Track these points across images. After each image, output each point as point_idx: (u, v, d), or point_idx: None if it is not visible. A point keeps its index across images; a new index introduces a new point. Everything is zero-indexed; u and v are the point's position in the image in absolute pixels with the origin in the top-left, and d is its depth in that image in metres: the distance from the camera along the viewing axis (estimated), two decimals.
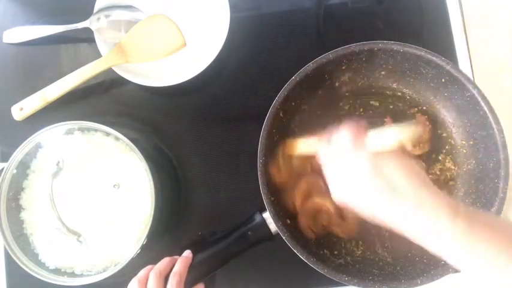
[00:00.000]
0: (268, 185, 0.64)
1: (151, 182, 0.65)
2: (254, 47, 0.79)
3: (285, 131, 0.71)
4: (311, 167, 0.68)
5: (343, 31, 0.79)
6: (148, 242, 0.66)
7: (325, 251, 0.69)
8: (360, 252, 0.70)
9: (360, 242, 0.70)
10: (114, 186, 0.67)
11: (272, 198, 0.64)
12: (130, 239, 0.67)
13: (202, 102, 0.78)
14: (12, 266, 0.73)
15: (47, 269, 0.67)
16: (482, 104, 0.64)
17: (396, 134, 0.52)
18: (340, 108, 0.74)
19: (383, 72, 0.72)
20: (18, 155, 0.67)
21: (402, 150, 0.51)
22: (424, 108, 0.72)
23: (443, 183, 0.71)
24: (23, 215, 0.68)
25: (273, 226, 0.63)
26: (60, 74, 0.73)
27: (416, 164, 0.50)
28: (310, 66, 0.66)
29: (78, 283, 0.65)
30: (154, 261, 0.63)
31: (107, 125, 0.67)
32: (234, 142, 0.77)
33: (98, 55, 0.73)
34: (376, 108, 0.73)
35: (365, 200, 0.50)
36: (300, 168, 0.68)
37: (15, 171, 0.68)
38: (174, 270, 0.61)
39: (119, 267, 0.64)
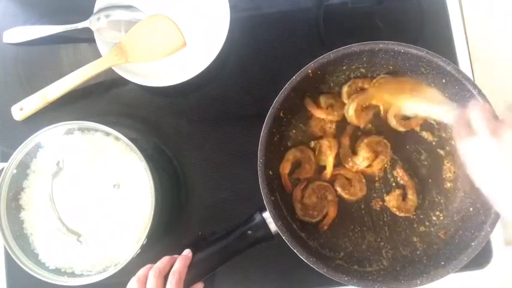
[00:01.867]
0: (268, 185, 0.64)
1: (151, 182, 0.65)
2: (254, 47, 0.79)
3: (285, 131, 0.71)
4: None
5: (343, 31, 0.79)
6: (148, 242, 0.66)
7: (325, 250, 0.69)
8: (359, 252, 0.70)
9: (360, 243, 0.70)
10: (114, 186, 0.67)
11: (272, 198, 0.65)
12: (131, 239, 0.67)
13: (202, 102, 0.78)
14: (12, 266, 0.73)
15: (47, 269, 0.67)
16: None
17: None
18: None
19: (383, 73, 0.72)
20: (18, 155, 0.67)
21: None
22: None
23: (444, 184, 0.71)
24: (23, 215, 0.68)
25: (273, 226, 0.63)
26: (60, 74, 0.73)
27: None
28: (311, 66, 0.66)
29: (78, 283, 0.65)
30: (154, 261, 0.63)
31: (107, 125, 0.67)
32: (234, 142, 0.77)
33: (98, 55, 0.73)
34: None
35: None
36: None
37: (15, 171, 0.68)
38: (173, 269, 0.61)
39: (118, 267, 0.64)
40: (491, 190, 0.53)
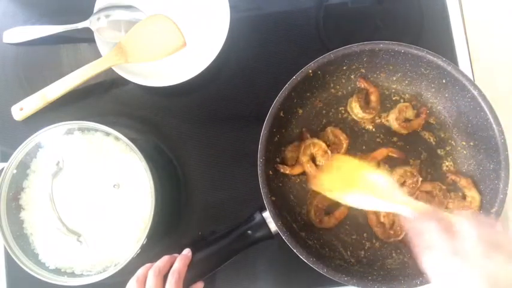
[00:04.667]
0: (268, 185, 0.64)
1: (151, 182, 0.65)
2: (254, 47, 0.79)
3: (285, 130, 0.71)
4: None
5: (343, 31, 0.79)
6: (148, 242, 0.66)
7: (325, 250, 0.69)
8: (359, 252, 0.70)
9: (360, 243, 0.70)
10: (114, 186, 0.67)
11: (273, 198, 0.65)
12: (131, 239, 0.67)
13: (202, 102, 0.78)
14: (12, 266, 0.73)
15: (47, 269, 0.67)
16: (483, 105, 0.64)
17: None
18: (339, 111, 0.74)
19: (383, 74, 0.72)
20: (18, 155, 0.67)
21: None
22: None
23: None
24: (23, 215, 0.68)
25: (272, 225, 0.63)
26: (60, 74, 0.73)
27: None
28: (311, 66, 0.66)
29: (78, 283, 0.65)
30: (154, 261, 0.63)
31: (107, 125, 0.67)
32: (234, 142, 0.76)
33: (98, 55, 0.73)
34: None
35: None
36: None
37: (15, 171, 0.68)
38: (173, 268, 0.61)
39: (118, 267, 0.64)
40: None
